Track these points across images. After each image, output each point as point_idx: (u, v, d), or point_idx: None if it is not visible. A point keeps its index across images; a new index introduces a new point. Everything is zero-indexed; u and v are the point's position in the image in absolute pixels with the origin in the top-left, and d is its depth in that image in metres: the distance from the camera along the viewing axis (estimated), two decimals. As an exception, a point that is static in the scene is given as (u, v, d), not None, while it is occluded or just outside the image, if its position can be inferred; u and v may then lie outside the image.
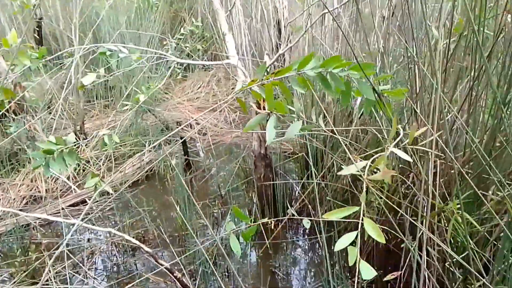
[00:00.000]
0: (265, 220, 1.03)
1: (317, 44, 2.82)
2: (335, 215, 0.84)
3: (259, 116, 0.91)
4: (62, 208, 2.42)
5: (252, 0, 4.19)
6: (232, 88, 4.40)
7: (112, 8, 3.80)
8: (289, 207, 2.35)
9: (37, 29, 4.35)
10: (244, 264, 2.07)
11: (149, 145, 3.12)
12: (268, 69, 2.31)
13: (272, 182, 2.24)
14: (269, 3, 3.87)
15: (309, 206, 2.27)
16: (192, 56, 4.29)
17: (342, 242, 0.79)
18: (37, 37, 4.33)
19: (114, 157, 3.08)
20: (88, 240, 2.30)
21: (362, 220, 0.82)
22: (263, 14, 3.72)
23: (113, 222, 2.45)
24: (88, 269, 2.02)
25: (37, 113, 3.40)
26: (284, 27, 3.86)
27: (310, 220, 2.11)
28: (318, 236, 2.11)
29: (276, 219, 1.13)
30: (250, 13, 4.05)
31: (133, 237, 2.19)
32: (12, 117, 3.02)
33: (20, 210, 2.42)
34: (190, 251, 2.11)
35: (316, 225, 2.08)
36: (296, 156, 2.45)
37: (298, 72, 1.12)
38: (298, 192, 2.42)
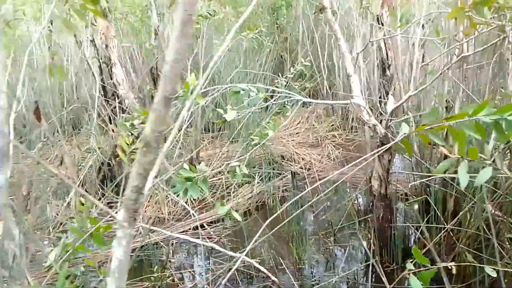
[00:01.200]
0: (449, 264, 1.03)
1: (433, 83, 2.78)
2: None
3: (449, 161, 0.95)
4: (197, 227, 2.65)
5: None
6: (332, 125, 4.46)
7: (230, 49, 4.17)
8: (408, 250, 2.28)
9: (154, 67, 4.94)
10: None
11: (258, 177, 3.28)
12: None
13: (393, 225, 2.21)
14: (374, 44, 3.93)
15: (433, 252, 2.18)
16: (301, 93, 4.47)
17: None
18: (154, 74, 4.91)
19: (225, 186, 3.29)
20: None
21: None
22: (374, 55, 3.77)
23: (229, 249, 2.58)
24: (215, 291, 2.15)
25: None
26: (388, 66, 3.88)
27: (436, 267, 2.02)
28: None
29: (453, 264, 1.12)
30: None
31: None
32: (140, 144, 3.41)
33: (153, 227, 2.68)
34: (307, 285, 2.14)
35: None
36: (416, 199, 2.39)
37: (471, 118, 1.14)
38: (418, 237, 2.33)
